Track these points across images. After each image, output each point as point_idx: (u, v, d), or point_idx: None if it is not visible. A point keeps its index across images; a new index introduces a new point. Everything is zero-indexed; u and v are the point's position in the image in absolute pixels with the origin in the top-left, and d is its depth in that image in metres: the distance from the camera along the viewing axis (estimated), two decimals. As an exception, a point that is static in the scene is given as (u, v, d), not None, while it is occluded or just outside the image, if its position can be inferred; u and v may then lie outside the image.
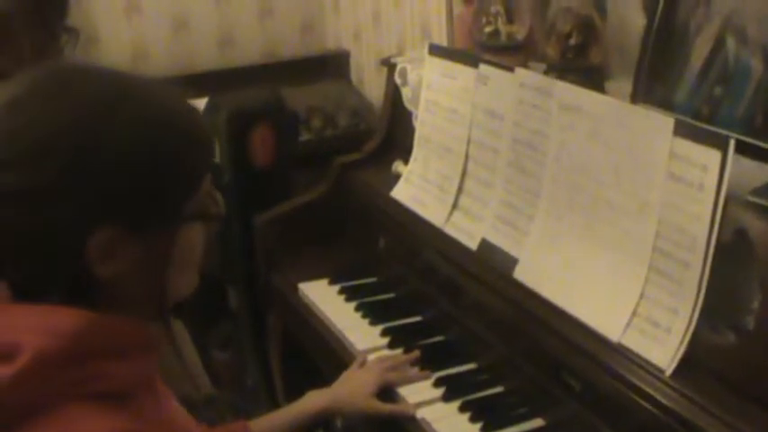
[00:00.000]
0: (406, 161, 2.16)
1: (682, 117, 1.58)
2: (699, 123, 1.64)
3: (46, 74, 1.05)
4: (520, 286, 1.71)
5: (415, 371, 1.80)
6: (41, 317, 0.98)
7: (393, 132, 2.36)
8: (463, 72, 1.97)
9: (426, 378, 1.78)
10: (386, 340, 1.91)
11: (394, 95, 2.33)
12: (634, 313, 1.49)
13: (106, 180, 0.99)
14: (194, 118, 1.09)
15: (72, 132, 0.99)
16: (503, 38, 2.23)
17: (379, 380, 1.75)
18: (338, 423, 2.12)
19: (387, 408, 1.73)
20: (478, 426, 1.62)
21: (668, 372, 1.41)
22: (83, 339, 0.98)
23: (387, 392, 1.74)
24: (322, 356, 2.06)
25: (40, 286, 1.01)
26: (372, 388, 1.74)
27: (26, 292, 1.01)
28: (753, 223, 1.34)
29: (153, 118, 1.04)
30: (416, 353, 1.84)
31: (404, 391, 1.74)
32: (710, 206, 1.37)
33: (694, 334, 1.40)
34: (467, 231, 1.90)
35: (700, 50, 1.74)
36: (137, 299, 1.06)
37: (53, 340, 0.96)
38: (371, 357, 1.85)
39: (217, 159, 2.56)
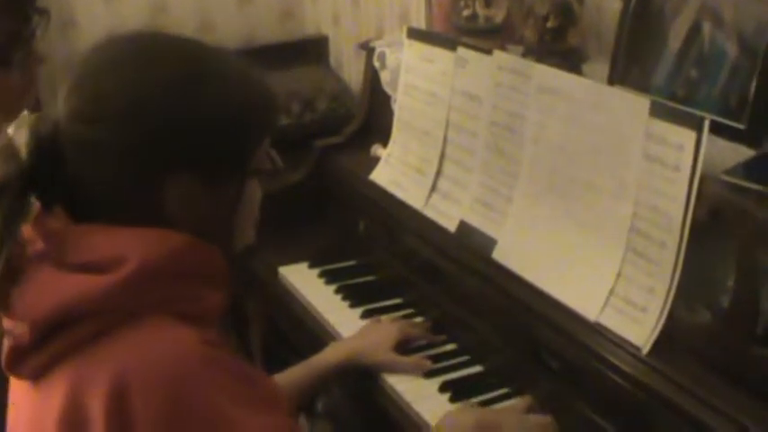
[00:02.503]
0: (384, 144, 2.17)
1: (658, 99, 1.59)
2: (675, 105, 1.66)
3: (129, 40, 1.14)
4: (498, 267, 1.72)
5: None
6: (146, 236, 1.07)
7: (372, 116, 2.36)
8: (441, 55, 1.97)
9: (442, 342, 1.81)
10: (366, 322, 1.92)
11: (373, 79, 2.33)
12: (611, 293, 1.51)
13: (189, 137, 1.09)
14: (263, 80, 1.18)
15: (161, 95, 1.08)
16: (480, 21, 2.24)
17: (401, 332, 1.77)
18: (319, 406, 2.13)
19: (407, 360, 1.73)
20: (458, 405, 1.63)
21: (645, 350, 1.42)
22: (182, 258, 1.07)
23: (368, 374, 1.75)
24: (302, 339, 2.06)
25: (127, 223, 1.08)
26: (394, 341, 1.75)
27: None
28: (727, 202, 1.36)
29: (232, 81, 1.13)
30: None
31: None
32: (686, 186, 1.39)
33: (670, 313, 1.41)
34: (445, 213, 1.91)
35: (676, 33, 1.76)
36: (209, 241, 1.13)
37: (157, 254, 1.05)
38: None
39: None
